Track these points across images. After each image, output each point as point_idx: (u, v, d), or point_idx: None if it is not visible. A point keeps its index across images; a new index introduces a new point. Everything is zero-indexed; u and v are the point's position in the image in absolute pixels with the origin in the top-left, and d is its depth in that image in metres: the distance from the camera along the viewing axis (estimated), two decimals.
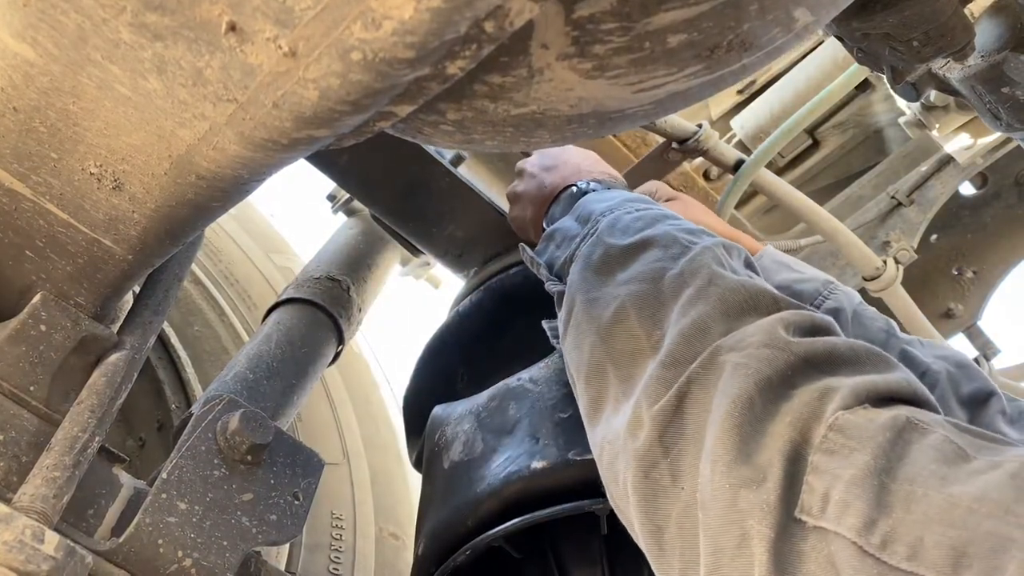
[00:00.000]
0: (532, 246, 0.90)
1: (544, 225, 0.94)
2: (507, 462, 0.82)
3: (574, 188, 0.94)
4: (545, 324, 0.83)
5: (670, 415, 0.56)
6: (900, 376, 0.53)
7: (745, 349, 0.55)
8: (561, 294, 0.78)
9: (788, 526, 0.46)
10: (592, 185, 0.93)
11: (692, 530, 0.51)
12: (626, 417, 0.59)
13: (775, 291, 0.64)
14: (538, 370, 0.91)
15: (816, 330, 0.58)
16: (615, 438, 0.60)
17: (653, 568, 0.56)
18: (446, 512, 0.84)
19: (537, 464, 0.79)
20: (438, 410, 0.99)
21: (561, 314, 0.76)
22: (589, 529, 0.83)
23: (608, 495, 0.64)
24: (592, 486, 0.76)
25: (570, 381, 0.74)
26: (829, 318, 0.60)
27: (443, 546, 0.83)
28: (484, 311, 1.10)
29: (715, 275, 0.65)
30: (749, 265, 0.74)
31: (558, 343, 0.77)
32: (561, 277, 0.80)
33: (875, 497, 0.43)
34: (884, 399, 0.50)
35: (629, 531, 0.62)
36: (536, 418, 0.85)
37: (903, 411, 0.48)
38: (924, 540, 0.40)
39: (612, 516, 0.75)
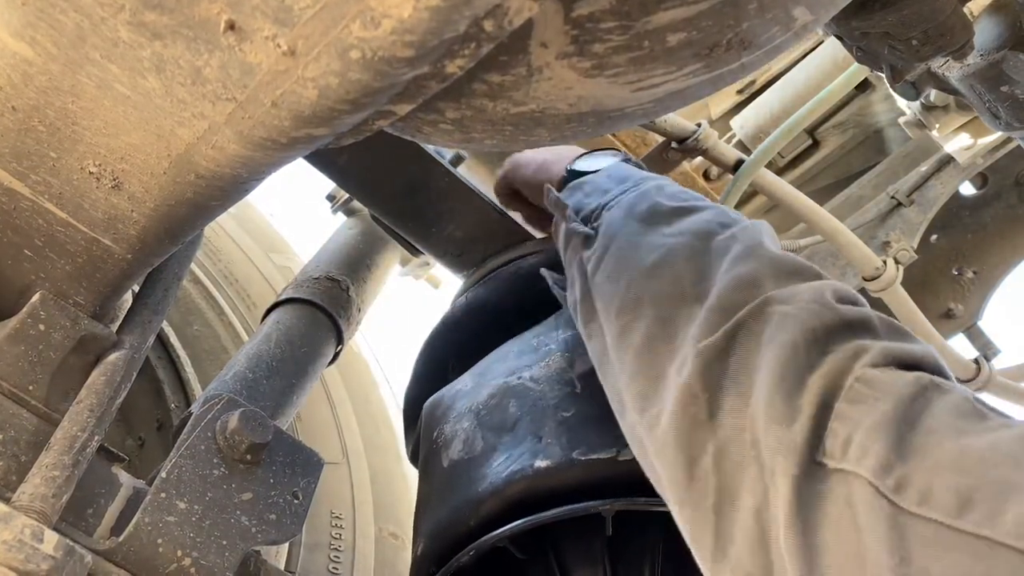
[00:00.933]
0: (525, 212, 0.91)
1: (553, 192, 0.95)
2: (509, 461, 0.81)
3: (611, 151, 0.97)
4: (545, 273, 0.82)
5: (716, 354, 0.58)
6: (926, 349, 0.55)
7: (795, 303, 0.58)
8: (588, 236, 0.79)
9: (811, 467, 0.48)
10: (625, 155, 0.97)
11: (729, 467, 0.53)
12: (673, 358, 0.61)
13: (816, 267, 0.67)
14: (539, 369, 0.90)
15: (855, 301, 0.61)
16: (658, 374, 0.62)
17: (677, 500, 0.57)
18: (446, 511, 0.84)
19: (541, 463, 0.79)
20: (429, 403, 0.98)
21: (588, 253, 0.77)
22: (592, 529, 0.82)
23: (628, 427, 0.65)
24: (595, 486, 0.75)
25: (587, 318, 0.74)
26: (861, 297, 0.64)
27: (444, 545, 0.82)
28: (477, 306, 1.10)
29: (762, 243, 0.68)
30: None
31: (561, 291, 0.78)
32: (588, 222, 0.81)
33: (894, 443, 0.45)
34: (910, 365, 0.53)
35: (645, 467, 0.63)
36: (538, 416, 0.84)
37: (927, 375, 0.51)
38: (934, 486, 0.42)
39: (617, 517, 0.75)
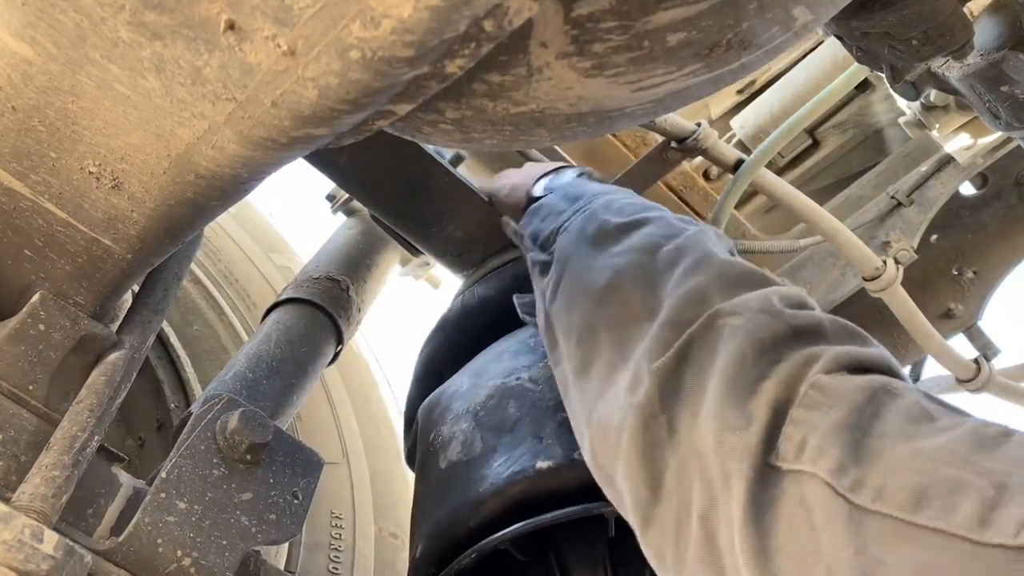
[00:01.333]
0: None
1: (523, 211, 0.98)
2: (509, 461, 0.81)
3: (564, 168, 1.00)
4: (516, 299, 0.83)
5: (670, 371, 0.59)
6: (878, 351, 0.57)
7: (744, 314, 0.59)
8: (545, 264, 0.81)
9: (765, 470, 0.49)
10: (581, 170, 1.00)
11: (687, 481, 0.54)
12: (626, 377, 0.62)
13: (763, 271, 0.68)
14: (537, 370, 0.90)
15: (803, 305, 0.63)
16: (613, 396, 0.63)
17: (642, 518, 0.57)
18: (445, 512, 0.84)
19: (542, 464, 0.79)
20: (426, 405, 0.98)
21: (546, 280, 0.79)
22: (593, 531, 0.82)
23: (589, 454, 0.66)
24: (597, 487, 0.76)
25: (551, 346, 0.76)
26: (811, 298, 0.65)
27: (443, 546, 0.82)
28: (476, 306, 1.10)
29: (709, 252, 0.69)
30: (732, 254, 0.77)
31: (531, 318, 0.79)
32: (545, 248, 0.84)
33: (848, 447, 0.46)
34: (862, 368, 0.54)
35: (607, 490, 0.64)
36: (538, 417, 0.84)
37: (879, 378, 0.52)
38: (888, 484, 0.44)
39: (619, 519, 0.75)
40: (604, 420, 0.63)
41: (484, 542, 0.78)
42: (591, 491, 0.76)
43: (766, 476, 0.49)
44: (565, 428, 0.81)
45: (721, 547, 0.50)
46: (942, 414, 0.48)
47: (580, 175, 1.00)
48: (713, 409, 0.54)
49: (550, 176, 1.02)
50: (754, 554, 0.46)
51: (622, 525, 0.76)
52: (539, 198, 0.96)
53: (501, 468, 0.81)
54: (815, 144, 1.83)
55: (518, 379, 0.90)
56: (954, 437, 0.45)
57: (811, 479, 0.46)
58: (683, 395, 0.57)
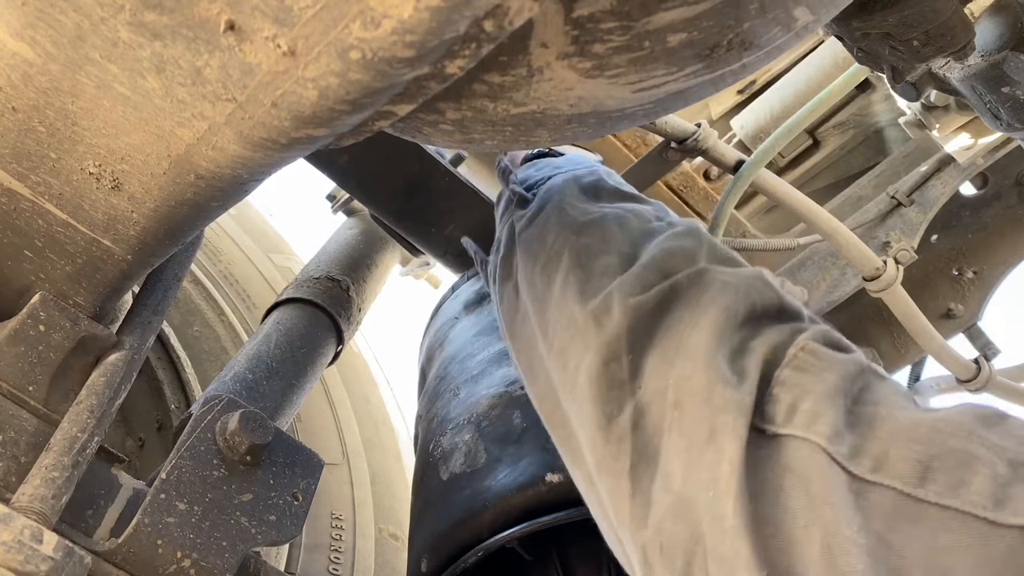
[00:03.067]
0: None
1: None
2: (515, 472, 0.79)
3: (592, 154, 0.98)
4: (465, 241, 0.81)
5: (646, 313, 0.56)
6: (856, 348, 0.56)
7: (737, 275, 0.58)
8: (524, 198, 0.77)
9: (752, 433, 0.46)
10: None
11: (647, 429, 0.51)
12: (592, 303, 0.59)
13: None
14: None
15: (791, 293, 0.61)
16: (569, 323, 0.60)
17: (595, 464, 0.54)
18: (448, 524, 0.82)
19: (552, 477, 0.77)
20: (423, 415, 0.98)
21: (522, 212, 0.76)
22: (596, 534, 0.82)
23: (534, 384, 0.64)
24: None
25: (504, 277, 0.73)
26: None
27: (447, 558, 0.81)
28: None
29: (700, 229, 0.68)
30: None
31: (485, 256, 0.76)
32: (530, 189, 0.80)
33: (843, 413, 0.44)
34: (845, 349, 0.53)
35: (548, 423, 0.61)
36: (543, 427, 0.83)
37: (863, 358, 0.51)
38: (889, 453, 0.41)
39: None
40: (562, 352, 0.60)
41: (491, 540, 0.77)
42: None
43: (753, 440, 0.46)
44: None
45: (699, 507, 0.45)
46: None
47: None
48: (704, 358, 0.50)
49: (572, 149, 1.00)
50: (747, 520, 0.42)
51: None
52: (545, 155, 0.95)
53: (507, 479, 0.80)
54: (815, 144, 1.83)
55: (522, 388, 0.88)
56: (954, 411, 0.43)
57: (804, 445, 0.43)
58: (656, 338, 0.54)
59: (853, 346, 0.54)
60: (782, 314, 0.55)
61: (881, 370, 0.50)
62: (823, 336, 0.52)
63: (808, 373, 0.48)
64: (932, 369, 1.48)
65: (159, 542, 0.66)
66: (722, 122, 1.91)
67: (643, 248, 0.63)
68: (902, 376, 1.50)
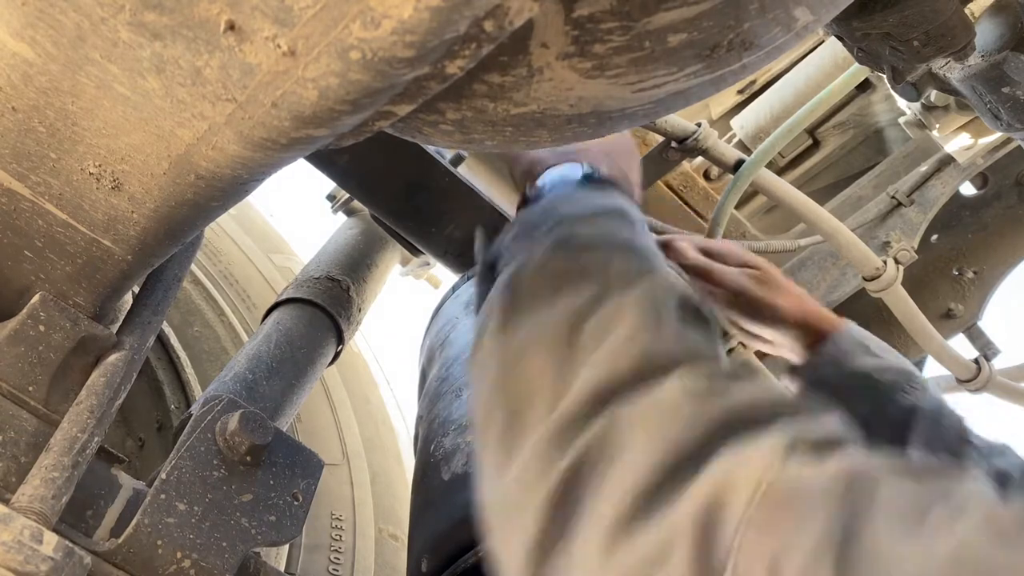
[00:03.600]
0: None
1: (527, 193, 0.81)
2: None
3: (574, 165, 0.79)
4: (479, 234, 0.72)
5: (558, 502, 0.46)
6: (831, 419, 0.46)
7: (659, 409, 0.46)
8: (480, 300, 0.66)
9: None
10: (589, 169, 0.79)
11: None
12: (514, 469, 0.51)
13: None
14: None
15: (749, 366, 0.52)
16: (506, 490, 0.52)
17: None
18: (449, 525, 0.82)
19: None
20: (424, 416, 0.97)
21: (476, 319, 0.64)
22: None
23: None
24: None
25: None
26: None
27: (448, 557, 0.81)
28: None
29: (637, 326, 0.52)
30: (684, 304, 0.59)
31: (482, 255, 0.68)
32: (493, 269, 0.68)
33: (836, 564, 0.36)
34: (818, 445, 0.42)
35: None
36: None
37: (844, 463, 0.41)
38: None
39: None
40: (501, 543, 0.52)
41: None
42: None
43: None
44: None
45: None
46: (932, 507, 0.37)
47: (585, 176, 0.84)
48: (605, 543, 0.41)
49: (557, 170, 0.85)
50: None
51: None
52: (536, 195, 0.85)
53: None
54: (815, 144, 1.84)
55: None
56: (968, 529, 0.35)
57: None
58: (576, 529, 0.44)
59: (824, 429, 0.44)
60: (728, 431, 0.43)
61: (869, 467, 0.40)
62: (792, 445, 0.41)
63: (784, 517, 0.38)
64: (932, 369, 1.48)
65: (159, 542, 0.66)
66: (722, 122, 1.91)
67: (567, 378, 0.51)
68: None
